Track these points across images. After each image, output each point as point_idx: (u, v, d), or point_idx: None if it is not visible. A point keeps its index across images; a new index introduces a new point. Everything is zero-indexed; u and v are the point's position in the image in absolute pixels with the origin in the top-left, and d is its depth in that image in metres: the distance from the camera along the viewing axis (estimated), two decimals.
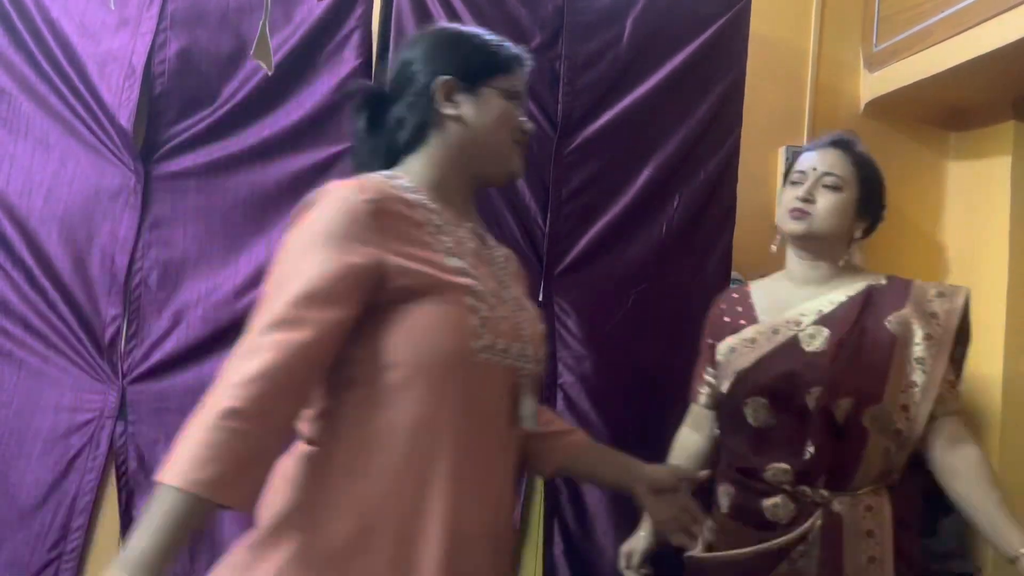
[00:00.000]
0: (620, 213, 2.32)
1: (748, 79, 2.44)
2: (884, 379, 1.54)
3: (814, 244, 1.65)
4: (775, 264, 2.98)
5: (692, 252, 2.35)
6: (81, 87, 2.14)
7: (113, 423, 2.13)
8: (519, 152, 1.32)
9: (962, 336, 1.63)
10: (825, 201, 1.61)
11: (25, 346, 2.13)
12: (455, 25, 1.55)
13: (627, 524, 2.27)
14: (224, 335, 2.16)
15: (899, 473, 1.60)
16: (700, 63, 2.35)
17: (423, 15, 2.22)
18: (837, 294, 1.62)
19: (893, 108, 3.06)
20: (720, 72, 2.38)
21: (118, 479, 2.14)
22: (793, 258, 1.70)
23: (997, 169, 2.96)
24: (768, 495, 1.56)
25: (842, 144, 1.69)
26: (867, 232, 1.71)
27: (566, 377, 2.28)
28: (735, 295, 1.79)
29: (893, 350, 1.55)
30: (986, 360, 2.96)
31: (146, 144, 2.18)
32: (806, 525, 1.52)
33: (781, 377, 1.56)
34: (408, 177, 1.24)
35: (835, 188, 1.62)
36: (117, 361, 2.15)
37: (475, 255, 1.23)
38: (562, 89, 2.28)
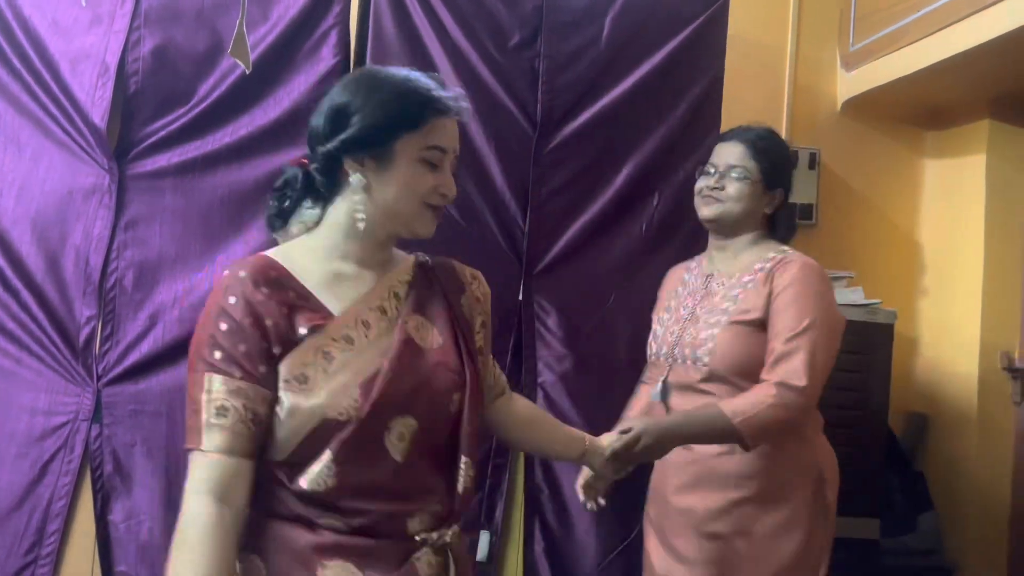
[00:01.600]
0: (600, 211, 2.32)
1: (727, 78, 2.44)
2: (477, 365, 1.29)
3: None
4: None
5: (672, 250, 2.35)
6: (53, 85, 2.11)
7: (88, 426, 2.10)
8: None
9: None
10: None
11: None
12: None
13: (607, 522, 2.29)
14: None
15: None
16: (679, 62, 2.35)
17: (401, 14, 2.21)
18: (397, 274, 1.27)
19: (870, 107, 3.09)
20: (699, 71, 2.39)
21: (93, 483, 2.11)
22: (354, 239, 1.22)
23: (972, 168, 2.99)
24: (409, 555, 1.17)
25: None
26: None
27: (546, 376, 2.28)
28: (272, 271, 1.18)
29: (477, 332, 1.34)
30: (963, 357, 2.99)
31: (120, 143, 2.15)
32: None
33: (416, 387, 1.18)
34: None
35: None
36: (92, 363, 2.12)
37: None
38: (541, 88, 2.27)
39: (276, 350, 1.12)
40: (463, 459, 1.22)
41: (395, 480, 1.16)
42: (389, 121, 1.18)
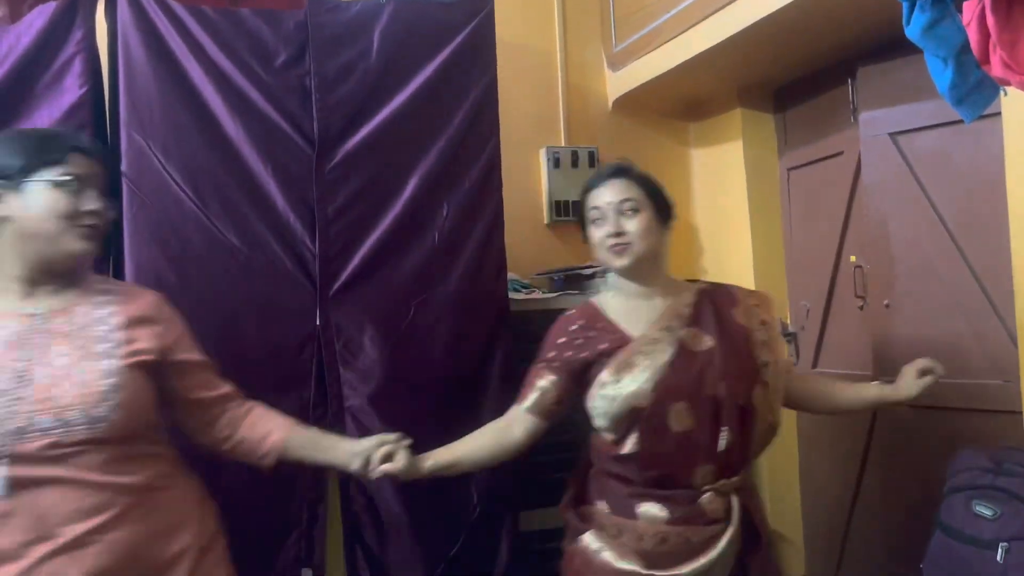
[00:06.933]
0: (391, 226, 2.29)
1: (503, 85, 2.50)
2: (753, 362, 1.73)
3: (642, 266, 1.75)
4: (546, 260, 3.09)
5: (467, 257, 2.37)
6: None
7: None
8: (78, 233, 1.45)
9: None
10: (634, 225, 1.73)
11: None
12: (12, 130, 1.65)
13: (431, 538, 2.28)
14: None
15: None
16: (452, 71, 2.38)
17: (152, 37, 2.07)
18: (681, 298, 1.77)
19: (638, 103, 3.28)
20: (473, 79, 2.42)
21: None
22: (625, 280, 1.79)
23: (732, 153, 3.25)
24: (696, 498, 1.68)
25: (624, 172, 1.80)
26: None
27: (352, 400, 2.21)
28: (587, 311, 1.82)
29: (749, 337, 1.75)
30: None
31: None
32: (735, 512, 1.70)
33: (691, 379, 1.67)
34: None
35: (636, 211, 1.74)
36: None
37: (9, 343, 1.41)
38: (315, 105, 2.21)
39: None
40: (723, 428, 1.67)
41: (675, 447, 1.66)
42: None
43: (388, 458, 1.69)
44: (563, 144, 3.22)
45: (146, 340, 1.52)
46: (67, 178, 1.44)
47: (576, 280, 2.92)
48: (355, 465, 1.69)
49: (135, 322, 1.52)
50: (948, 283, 2.47)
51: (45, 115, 1.95)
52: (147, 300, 1.58)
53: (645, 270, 1.76)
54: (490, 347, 2.39)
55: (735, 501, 1.71)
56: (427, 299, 2.33)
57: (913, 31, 1.41)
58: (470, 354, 2.37)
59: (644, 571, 1.65)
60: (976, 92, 1.44)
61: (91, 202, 1.47)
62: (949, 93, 1.45)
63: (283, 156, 2.19)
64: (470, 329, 2.37)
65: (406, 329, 2.30)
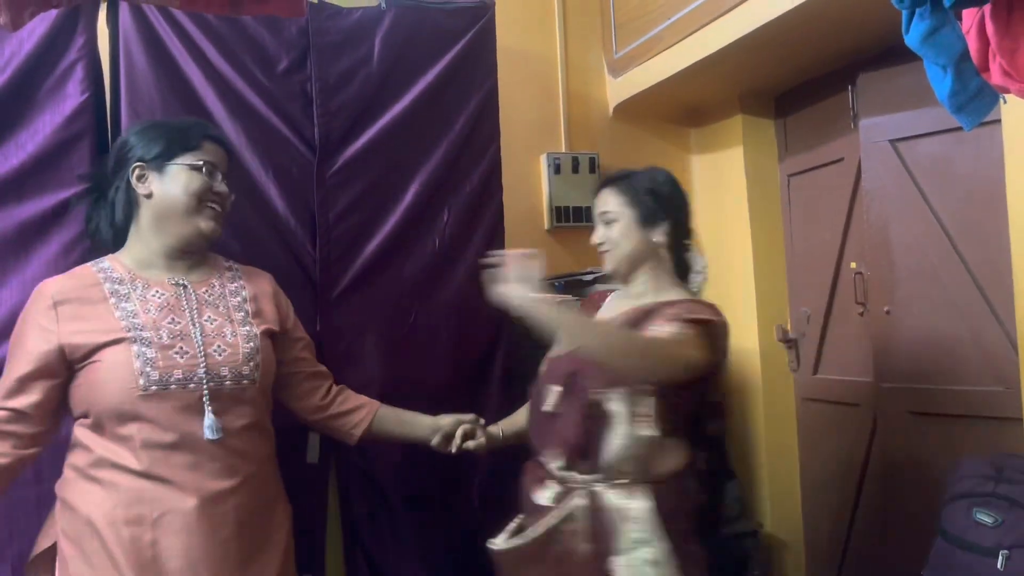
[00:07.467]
0: (391, 232, 2.29)
1: (504, 91, 2.50)
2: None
3: (622, 269, 1.85)
4: (547, 265, 3.08)
5: (467, 262, 2.37)
6: None
7: None
8: (207, 214, 1.67)
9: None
10: (612, 233, 1.83)
11: None
12: (154, 121, 1.80)
13: (430, 542, 2.26)
14: None
15: (663, 469, 1.70)
16: (453, 77, 2.38)
17: (153, 44, 2.07)
18: (645, 304, 1.80)
19: (638, 110, 3.28)
20: (474, 84, 2.42)
21: None
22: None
23: (732, 160, 3.25)
24: (543, 481, 1.74)
25: (610, 181, 1.88)
26: (675, 236, 1.84)
27: None
28: (599, 295, 2.00)
29: None
30: (744, 334, 3.23)
31: None
32: (572, 504, 1.68)
33: (573, 369, 1.75)
34: (115, 256, 1.66)
35: (614, 221, 1.83)
36: None
37: (164, 307, 1.61)
38: (316, 111, 2.22)
39: None
40: (585, 419, 1.70)
41: (540, 424, 1.78)
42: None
43: (468, 436, 1.88)
44: (564, 150, 3.22)
45: (270, 312, 1.74)
46: (201, 162, 1.65)
47: (577, 286, 2.91)
48: (435, 440, 1.88)
49: (260, 296, 1.75)
50: (948, 289, 2.47)
51: (47, 120, 1.94)
52: (266, 278, 1.82)
53: (625, 272, 1.86)
54: (490, 352, 2.40)
55: (578, 497, 1.67)
56: (428, 304, 2.33)
57: (912, 39, 1.41)
58: (470, 359, 2.37)
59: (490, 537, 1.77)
60: (976, 99, 1.44)
61: (220, 185, 1.69)
62: (949, 101, 1.45)
63: (284, 161, 2.20)
64: (470, 334, 2.37)
65: (407, 334, 2.30)
